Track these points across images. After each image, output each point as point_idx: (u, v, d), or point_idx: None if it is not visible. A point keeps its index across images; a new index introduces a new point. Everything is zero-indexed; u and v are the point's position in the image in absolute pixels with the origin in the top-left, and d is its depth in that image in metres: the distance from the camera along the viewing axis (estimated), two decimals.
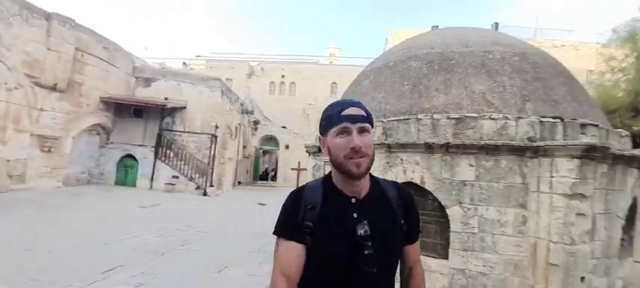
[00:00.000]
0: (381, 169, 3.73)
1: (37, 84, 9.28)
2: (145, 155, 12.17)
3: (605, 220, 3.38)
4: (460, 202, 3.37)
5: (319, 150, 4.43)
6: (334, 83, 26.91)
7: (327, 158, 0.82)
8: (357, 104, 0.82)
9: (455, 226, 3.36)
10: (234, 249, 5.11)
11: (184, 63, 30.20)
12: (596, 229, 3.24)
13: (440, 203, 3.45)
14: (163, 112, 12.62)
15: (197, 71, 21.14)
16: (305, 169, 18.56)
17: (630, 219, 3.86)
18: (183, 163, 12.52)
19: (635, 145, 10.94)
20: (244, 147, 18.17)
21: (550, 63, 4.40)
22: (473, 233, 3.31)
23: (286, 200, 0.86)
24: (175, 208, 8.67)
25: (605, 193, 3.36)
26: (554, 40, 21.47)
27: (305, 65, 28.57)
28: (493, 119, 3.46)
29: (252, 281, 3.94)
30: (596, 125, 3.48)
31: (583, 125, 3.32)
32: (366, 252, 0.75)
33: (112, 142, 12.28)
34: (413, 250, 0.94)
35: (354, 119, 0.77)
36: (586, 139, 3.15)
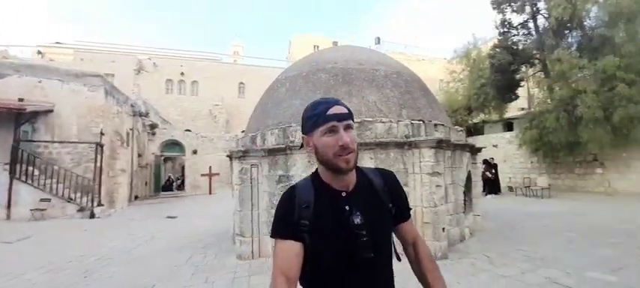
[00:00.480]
0: (305, 166, 4.38)
1: None
2: None
3: (453, 188, 5.00)
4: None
5: (245, 154, 4.73)
6: (242, 83, 26.25)
7: (310, 156, 1.16)
8: (339, 102, 0.85)
9: None
10: (155, 268, 4.69)
11: (39, 52, 23.63)
12: (448, 194, 4.79)
13: None
14: (19, 117, 9.82)
15: (64, 64, 17.00)
16: (218, 174, 17.76)
17: (467, 186, 5.76)
18: (55, 181, 10.09)
19: (470, 134, 15.14)
20: (140, 155, 15.85)
21: (415, 79, 5.99)
22: None
23: (279, 202, 0.89)
24: (56, 238, 7.06)
25: (451, 170, 4.98)
26: (417, 55, 27.24)
27: (207, 62, 26.70)
28: (383, 122, 4.61)
29: None
30: (443, 125, 5.08)
31: (436, 125, 4.81)
32: (361, 240, 0.81)
33: None
34: (409, 227, 0.99)
35: (340, 117, 0.81)
36: (438, 135, 4.61)
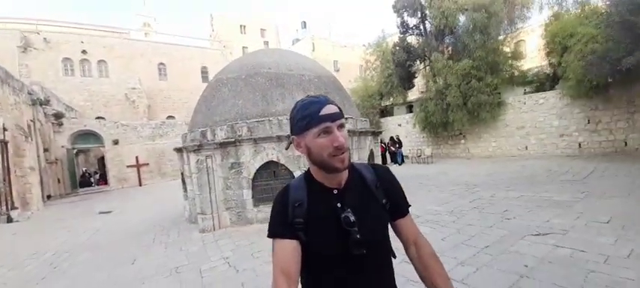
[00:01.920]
0: (252, 155, 5.72)
1: None
2: None
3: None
4: (299, 167, 5.98)
5: (200, 147, 5.76)
6: (162, 64, 24.34)
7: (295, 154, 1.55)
8: (330, 101, 0.84)
9: None
10: (125, 249, 5.23)
11: None
12: None
13: (288, 168, 5.91)
14: None
15: None
16: (148, 164, 17.01)
17: (370, 160, 7.94)
18: None
19: (382, 115, 18.38)
20: (46, 150, 14.07)
21: (332, 80, 7.75)
22: None
23: (274, 202, 0.90)
24: (14, 248, 6.64)
25: (357, 150, 6.98)
26: (341, 43, 29.70)
27: (115, 39, 23.63)
28: None
29: (171, 259, 4.45)
30: (352, 117, 7.03)
31: (346, 118, 6.70)
32: (353, 237, 0.82)
33: None
34: (408, 223, 0.97)
35: (333, 117, 0.81)
36: (349, 126, 6.50)
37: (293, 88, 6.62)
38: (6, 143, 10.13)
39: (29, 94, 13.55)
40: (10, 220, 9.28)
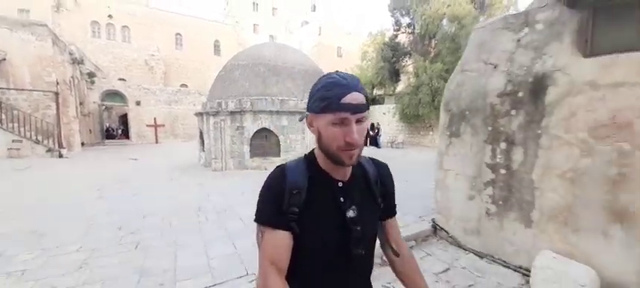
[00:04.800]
0: (251, 122, 8.28)
1: None
2: None
3: None
4: (283, 134, 8.55)
5: (217, 113, 8.31)
6: (178, 34, 26.48)
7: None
8: (358, 87, 0.72)
9: (282, 143, 8.57)
10: (162, 176, 7.94)
11: None
12: None
13: (276, 135, 8.49)
14: None
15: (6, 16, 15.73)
16: (163, 126, 19.67)
17: None
18: (18, 124, 11.49)
19: (375, 103, 20.77)
20: (81, 104, 16.72)
21: (318, 72, 10.14)
22: (288, 144, 8.63)
23: (267, 184, 0.80)
24: (56, 168, 9.45)
25: None
26: (347, 30, 31.35)
27: (137, 6, 25.58)
28: (294, 100, 8.70)
29: (196, 181, 7.34)
30: None
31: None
32: (355, 235, 0.77)
33: None
34: (394, 225, 0.94)
35: (355, 109, 0.70)
36: None
37: (285, 77, 9.09)
38: (57, 94, 12.76)
39: (70, 54, 16.01)
40: (61, 155, 12.05)
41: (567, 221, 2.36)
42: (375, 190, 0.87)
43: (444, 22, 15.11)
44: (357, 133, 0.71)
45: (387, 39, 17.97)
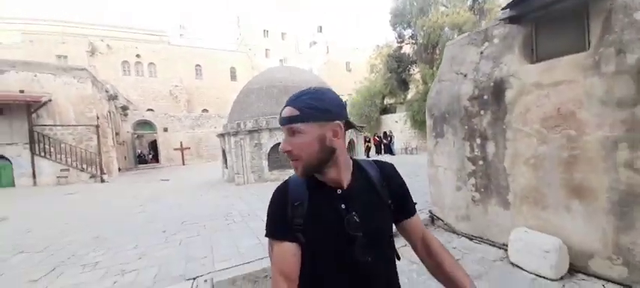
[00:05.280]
0: (268, 138, 9.03)
1: None
2: (18, 153, 11.85)
3: None
4: None
5: (237, 132, 9.15)
6: (198, 66, 28.50)
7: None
8: (295, 101, 0.78)
9: None
10: (193, 192, 8.83)
11: None
12: None
13: None
14: (30, 107, 12.31)
15: (52, 63, 18.06)
16: (189, 148, 21.10)
17: (350, 147, 10.99)
18: (65, 156, 12.97)
19: (385, 112, 21.41)
20: (117, 134, 18.41)
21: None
22: None
23: (272, 200, 0.84)
24: (100, 192, 10.62)
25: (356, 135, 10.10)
26: (353, 46, 32.33)
27: (162, 45, 28.08)
28: None
29: (221, 194, 8.11)
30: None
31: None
32: (358, 242, 0.77)
33: None
34: (415, 223, 0.91)
35: (282, 121, 0.78)
36: None
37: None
38: (98, 127, 14.28)
39: (106, 91, 17.85)
40: (102, 180, 13.38)
41: (536, 200, 2.79)
42: (382, 192, 0.86)
43: (446, 30, 15.58)
44: (289, 144, 0.76)
45: (392, 51, 18.60)
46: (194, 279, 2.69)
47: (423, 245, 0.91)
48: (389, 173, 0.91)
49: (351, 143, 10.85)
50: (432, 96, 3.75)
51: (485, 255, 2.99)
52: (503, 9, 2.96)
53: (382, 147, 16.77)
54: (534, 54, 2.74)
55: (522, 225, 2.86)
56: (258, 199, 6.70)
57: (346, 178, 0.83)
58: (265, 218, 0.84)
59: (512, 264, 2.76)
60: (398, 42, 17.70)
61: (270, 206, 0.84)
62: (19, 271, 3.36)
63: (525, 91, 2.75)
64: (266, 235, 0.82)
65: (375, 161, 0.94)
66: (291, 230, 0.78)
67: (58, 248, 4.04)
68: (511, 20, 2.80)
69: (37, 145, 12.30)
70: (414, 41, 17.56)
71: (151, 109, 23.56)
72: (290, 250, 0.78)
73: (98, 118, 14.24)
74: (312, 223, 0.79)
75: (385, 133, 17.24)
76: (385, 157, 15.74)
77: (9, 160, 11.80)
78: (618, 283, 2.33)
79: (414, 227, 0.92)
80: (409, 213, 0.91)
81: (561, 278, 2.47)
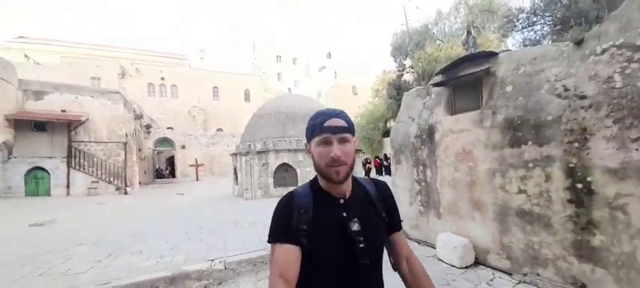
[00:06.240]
0: (274, 159, 10.30)
1: None
2: (56, 166, 13.57)
3: None
4: (299, 167, 10.42)
5: (247, 153, 10.47)
6: (216, 88, 30.69)
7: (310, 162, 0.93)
8: (339, 115, 0.89)
9: (299, 175, 10.43)
10: (207, 205, 10.11)
11: (26, 55, 25.75)
12: None
13: (294, 168, 10.39)
14: (70, 125, 14.15)
15: (91, 86, 20.37)
16: (203, 165, 22.73)
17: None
18: (96, 169, 14.63)
19: (386, 135, 22.33)
20: (139, 150, 20.20)
21: None
22: (304, 175, 10.46)
23: (277, 208, 0.91)
24: (126, 202, 12.04)
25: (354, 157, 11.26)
26: (359, 70, 34.02)
27: (185, 68, 30.60)
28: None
29: (232, 207, 9.33)
30: None
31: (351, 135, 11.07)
32: (359, 246, 0.85)
33: (15, 157, 12.90)
34: (401, 239, 1.02)
35: (334, 130, 0.85)
36: None
37: (299, 121, 11.20)
38: (126, 144, 16.00)
39: (134, 111, 19.85)
40: (126, 193, 14.89)
41: (455, 212, 3.87)
42: (378, 205, 0.97)
43: (440, 62, 16.82)
44: (340, 151, 0.84)
45: (394, 77, 19.94)
46: (212, 260, 3.86)
47: (408, 264, 1.00)
48: (383, 189, 1.03)
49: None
50: (393, 132, 4.94)
51: (424, 253, 4.04)
52: (435, 75, 4.18)
53: (383, 169, 17.77)
54: (453, 108, 3.92)
55: (448, 230, 3.92)
56: (262, 211, 7.86)
57: (349, 190, 0.93)
58: (269, 224, 0.90)
59: (438, 259, 3.81)
60: (399, 71, 19.08)
61: (275, 213, 0.90)
62: (84, 256, 4.61)
63: (446, 134, 3.91)
64: (269, 241, 0.88)
65: (372, 179, 1.06)
66: (295, 235, 0.84)
67: (107, 242, 5.30)
68: (440, 84, 4.02)
69: (73, 159, 14.02)
70: (413, 70, 18.88)
71: (171, 127, 25.50)
72: (293, 253, 0.83)
73: (126, 135, 15.99)
74: (317, 228, 0.85)
75: (385, 155, 18.27)
76: (385, 178, 16.67)
77: (48, 171, 13.50)
78: (504, 272, 3.35)
79: (400, 243, 1.02)
80: (396, 227, 1.02)
81: (466, 267, 3.50)
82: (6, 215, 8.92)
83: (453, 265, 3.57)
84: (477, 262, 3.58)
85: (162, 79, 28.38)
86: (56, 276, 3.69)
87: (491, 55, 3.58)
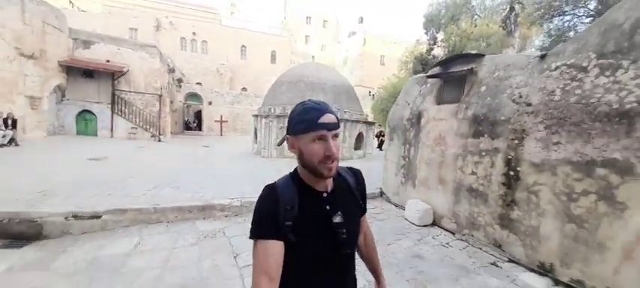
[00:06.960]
0: None
1: (21, 54, 11.75)
2: (102, 111, 15.46)
3: (349, 138, 12.10)
4: None
5: (267, 116, 11.50)
6: (243, 46, 31.35)
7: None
8: (330, 110, 0.89)
9: None
10: (229, 157, 11.49)
11: (70, 1, 27.52)
12: (345, 139, 11.89)
13: None
14: (114, 75, 15.77)
15: (131, 39, 21.79)
16: (227, 121, 24.31)
17: (359, 139, 12.88)
18: (135, 116, 16.43)
19: None
20: (171, 102, 21.94)
21: (346, 86, 12.71)
22: None
23: (261, 203, 0.90)
24: (162, 147, 13.75)
25: (349, 131, 12.02)
26: (391, 39, 33.00)
27: (215, 25, 31.21)
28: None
29: (251, 163, 10.63)
30: (346, 111, 12.05)
31: (344, 111, 11.75)
32: (342, 237, 0.91)
33: (67, 99, 14.84)
34: (365, 218, 1.15)
35: (330, 127, 0.86)
36: (345, 116, 11.57)
37: (318, 90, 11.92)
38: (160, 96, 17.58)
39: (167, 65, 21.27)
40: (159, 140, 16.71)
41: (426, 184, 4.68)
42: (357, 195, 1.05)
43: (473, 39, 16.35)
44: (334, 147, 0.85)
45: (423, 51, 19.62)
46: (232, 199, 5.02)
47: (364, 238, 1.17)
48: (360, 179, 1.10)
49: (361, 136, 12.72)
50: (391, 113, 5.65)
51: (397, 214, 4.96)
52: (433, 67, 4.76)
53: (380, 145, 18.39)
54: (440, 99, 4.55)
55: (419, 198, 4.77)
56: (276, 169, 9.02)
57: (330, 183, 0.96)
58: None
59: (405, 218, 4.71)
60: (429, 44, 18.75)
61: (258, 210, 0.89)
62: (135, 187, 5.95)
63: (429, 121, 4.59)
64: (251, 237, 0.86)
65: (349, 168, 1.11)
66: (281, 231, 0.85)
67: (150, 177, 6.66)
68: (434, 76, 4.62)
69: (116, 106, 15.82)
70: (444, 45, 18.49)
71: (199, 83, 26.97)
72: (275, 249, 0.83)
73: (161, 88, 17.52)
74: (302, 223, 0.87)
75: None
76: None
77: (95, 114, 15.43)
78: (450, 231, 4.21)
79: (363, 221, 1.14)
80: (365, 210, 1.13)
81: (424, 226, 4.40)
82: (68, 151, 10.77)
83: (413, 224, 4.47)
84: (434, 224, 4.45)
85: (194, 34, 29.34)
86: (120, 197, 5.01)
87: (478, 57, 4.12)
